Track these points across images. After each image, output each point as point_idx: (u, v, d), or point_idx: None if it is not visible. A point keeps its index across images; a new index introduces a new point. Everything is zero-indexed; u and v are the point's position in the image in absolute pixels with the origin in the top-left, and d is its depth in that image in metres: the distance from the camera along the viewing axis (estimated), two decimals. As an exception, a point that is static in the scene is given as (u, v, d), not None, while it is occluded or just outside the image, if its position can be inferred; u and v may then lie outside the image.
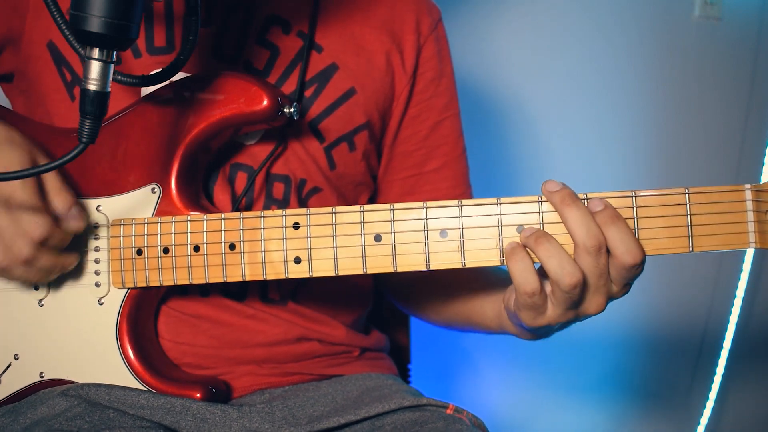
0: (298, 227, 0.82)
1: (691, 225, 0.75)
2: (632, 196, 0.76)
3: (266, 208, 0.96)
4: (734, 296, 2.09)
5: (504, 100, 1.90)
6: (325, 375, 1.00)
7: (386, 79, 1.02)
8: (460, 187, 1.11)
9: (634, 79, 1.96)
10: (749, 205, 0.74)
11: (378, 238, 0.80)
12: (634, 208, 0.76)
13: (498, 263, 0.78)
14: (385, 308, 1.25)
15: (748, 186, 0.75)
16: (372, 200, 1.12)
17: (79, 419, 0.82)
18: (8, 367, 0.90)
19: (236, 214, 0.84)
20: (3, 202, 0.80)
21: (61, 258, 0.85)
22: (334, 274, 0.81)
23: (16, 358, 0.90)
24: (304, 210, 0.82)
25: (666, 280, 2.04)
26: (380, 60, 1.02)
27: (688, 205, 0.75)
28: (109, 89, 0.70)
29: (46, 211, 0.81)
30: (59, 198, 0.83)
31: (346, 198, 1.04)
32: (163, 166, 0.88)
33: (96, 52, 0.68)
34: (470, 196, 1.13)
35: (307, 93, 0.97)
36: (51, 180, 0.84)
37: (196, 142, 0.88)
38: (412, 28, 1.04)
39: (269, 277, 0.82)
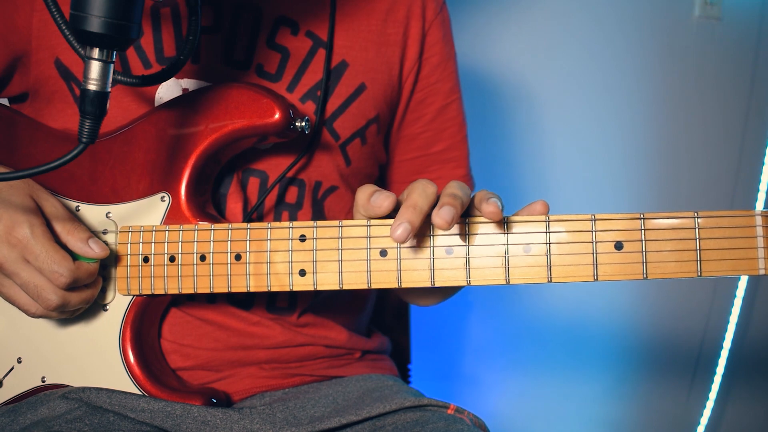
0: (305, 239, 0.81)
1: (699, 249, 0.73)
2: (640, 219, 0.74)
3: (278, 213, 0.96)
4: (734, 296, 2.09)
5: (503, 100, 1.90)
6: (326, 376, 1.00)
7: (393, 70, 1.02)
8: (463, 168, 1.12)
9: (634, 79, 1.96)
10: (759, 231, 0.72)
11: (384, 252, 0.79)
12: (642, 231, 0.74)
13: (503, 282, 0.77)
14: (387, 310, 1.25)
15: (758, 212, 0.73)
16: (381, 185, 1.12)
17: (78, 422, 0.81)
18: (11, 370, 0.90)
19: (243, 225, 0.83)
20: (20, 257, 0.80)
21: (91, 289, 0.85)
22: (338, 288, 0.80)
23: (19, 361, 0.90)
24: (310, 222, 0.81)
25: (666, 282, 2.04)
26: (386, 51, 1.01)
27: (696, 229, 0.73)
28: (110, 89, 0.70)
29: (65, 257, 0.80)
30: (73, 237, 0.83)
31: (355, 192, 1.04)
32: (173, 175, 0.88)
33: (96, 52, 0.68)
34: (471, 179, 1.15)
35: (320, 93, 0.97)
36: (59, 222, 0.83)
37: (206, 153, 0.88)
38: (416, 14, 1.04)
39: (274, 289, 0.82)
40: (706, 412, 2.13)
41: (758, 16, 2.00)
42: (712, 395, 2.12)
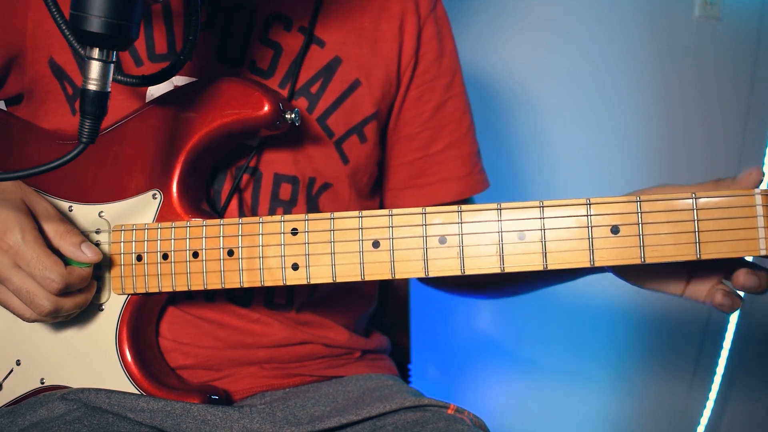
0: (297, 233, 0.81)
1: (698, 231, 0.71)
2: (637, 201, 0.73)
3: (272, 209, 0.96)
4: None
5: (504, 100, 1.90)
6: (326, 376, 1.00)
7: (390, 66, 1.02)
8: (467, 166, 1.10)
9: (634, 79, 1.96)
10: (759, 210, 0.70)
11: (376, 244, 0.78)
12: (639, 214, 0.72)
13: (498, 270, 0.76)
14: (386, 309, 1.25)
15: (758, 191, 0.71)
16: (380, 186, 1.11)
17: (77, 423, 0.81)
18: (10, 372, 0.90)
19: (235, 220, 0.83)
20: (12, 263, 0.79)
21: (84, 294, 0.85)
22: (331, 281, 0.79)
23: (18, 363, 0.90)
24: (302, 216, 0.80)
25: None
26: (382, 47, 1.01)
27: (695, 211, 0.72)
28: (109, 89, 0.70)
29: (56, 262, 0.80)
30: (65, 241, 0.82)
31: (360, 191, 1.03)
32: (164, 172, 0.88)
33: (96, 52, 0.68)
34: (478, 176, 1.12)
35: (313, 89, 0.97)
36: (51, 226, 0.83)
37: (197, 149, 0.88)
38: (410, 9, 1.03)
39: (267, 284, 0.81)
40: (707, 411, 2.13)
41: (758, 16, 2.00)
42: (713, 394, 2.12)
